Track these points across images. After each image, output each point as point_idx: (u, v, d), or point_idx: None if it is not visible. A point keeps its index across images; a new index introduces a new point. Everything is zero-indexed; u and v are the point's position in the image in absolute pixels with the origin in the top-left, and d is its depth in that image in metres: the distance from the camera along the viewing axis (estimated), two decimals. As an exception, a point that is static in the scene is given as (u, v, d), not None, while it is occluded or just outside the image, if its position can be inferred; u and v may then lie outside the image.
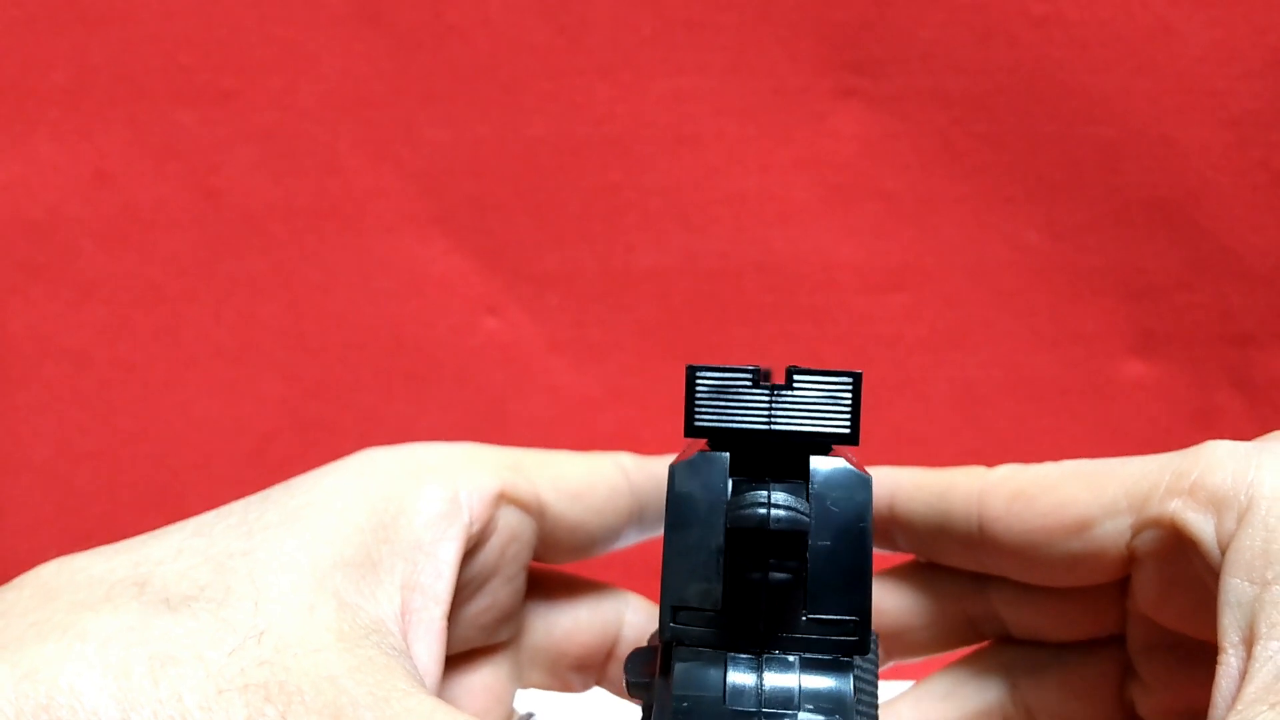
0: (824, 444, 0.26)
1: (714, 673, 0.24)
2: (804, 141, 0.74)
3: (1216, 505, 0.29)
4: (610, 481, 0.36)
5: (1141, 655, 0.36)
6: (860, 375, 0.26)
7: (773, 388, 0.26)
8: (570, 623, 0.38)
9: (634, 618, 0.39)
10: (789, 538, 0.24)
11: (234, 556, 0.28)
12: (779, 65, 0.74)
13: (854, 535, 0.25)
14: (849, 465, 0.26)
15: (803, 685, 0.24)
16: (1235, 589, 0.27)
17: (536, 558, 0.37)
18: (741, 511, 0.24)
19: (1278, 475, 0.28)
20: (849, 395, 0.26)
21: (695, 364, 0.26)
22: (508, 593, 0.36)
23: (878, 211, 0.74)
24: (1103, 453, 0.37)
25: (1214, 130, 0.72)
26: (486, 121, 0.75)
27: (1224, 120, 0.72)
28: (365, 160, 0.75)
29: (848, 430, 0.26)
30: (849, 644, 0.25)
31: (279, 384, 0.77)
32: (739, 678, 0.24)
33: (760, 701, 0.24)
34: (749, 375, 0.26)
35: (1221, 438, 0.32)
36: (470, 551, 0.32)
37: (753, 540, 0.25)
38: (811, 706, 0.24)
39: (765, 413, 0.26)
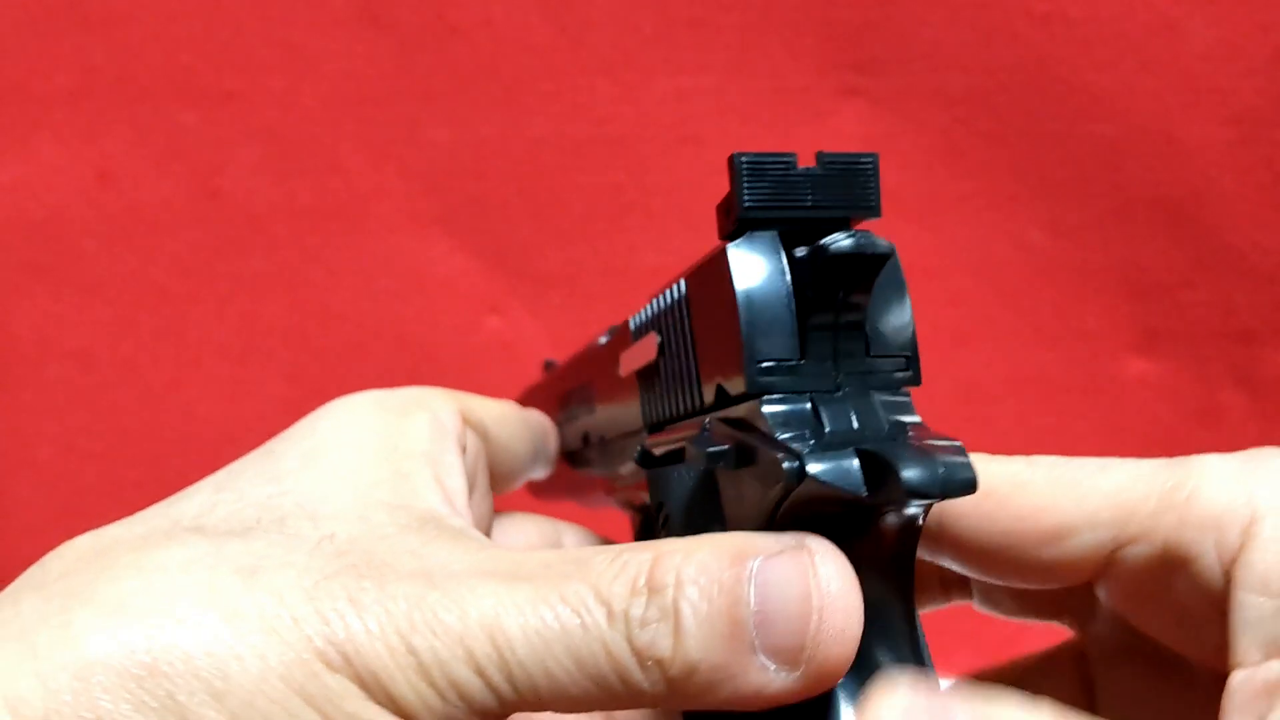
0: (850, 219, 0.29)
1: (807, 411, 0.27)
2: (806, 140, 0.74)
3: (1216, 522, 0.28)
4: (517, 413, 0.41)
5: (1103, 665, 0.35)
6: (877, 156, 0.29)
7: (807, 171, 0.29)
8: (523, 541, 0.41)
9: (571, 539, 0.42)
10: (877, 260, 0.27)
11: (272, 497, 0.30)
12: (781, 64, 0.74)
13: (894, 286, 0.29)
14: (873, 235, 0.28)
15: (881, 413, 0.28)
16: (1252, 605, 0.27)
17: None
18: (841, 243, 0.27)
19: (1277, 489, 0.28)
20: (873, 173, 0.29)
21: (740, 151, 0.29)
22: (484, 508, 0.38)
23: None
24: (1106, 450, 0.37)
25: (1217, 128, 0.72)
26: (488, 122, 0.75)
27: (1227, 118, 0.72)
28: (367, 160, 0.75)
29: (873, 204, 0.29)
30: (908, 378, 0.29)
31: (281, 384, 0.77)
32: (830, 414, 0.27)
33: (854, 431, 0.27)
34: (788, 160, 0.29)
35: (1225, 434, 0.32)
36: None
37: (843, 269, 0.27)
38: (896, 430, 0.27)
39: (807, 194, 0.29)
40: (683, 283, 0.32)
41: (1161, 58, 0.72)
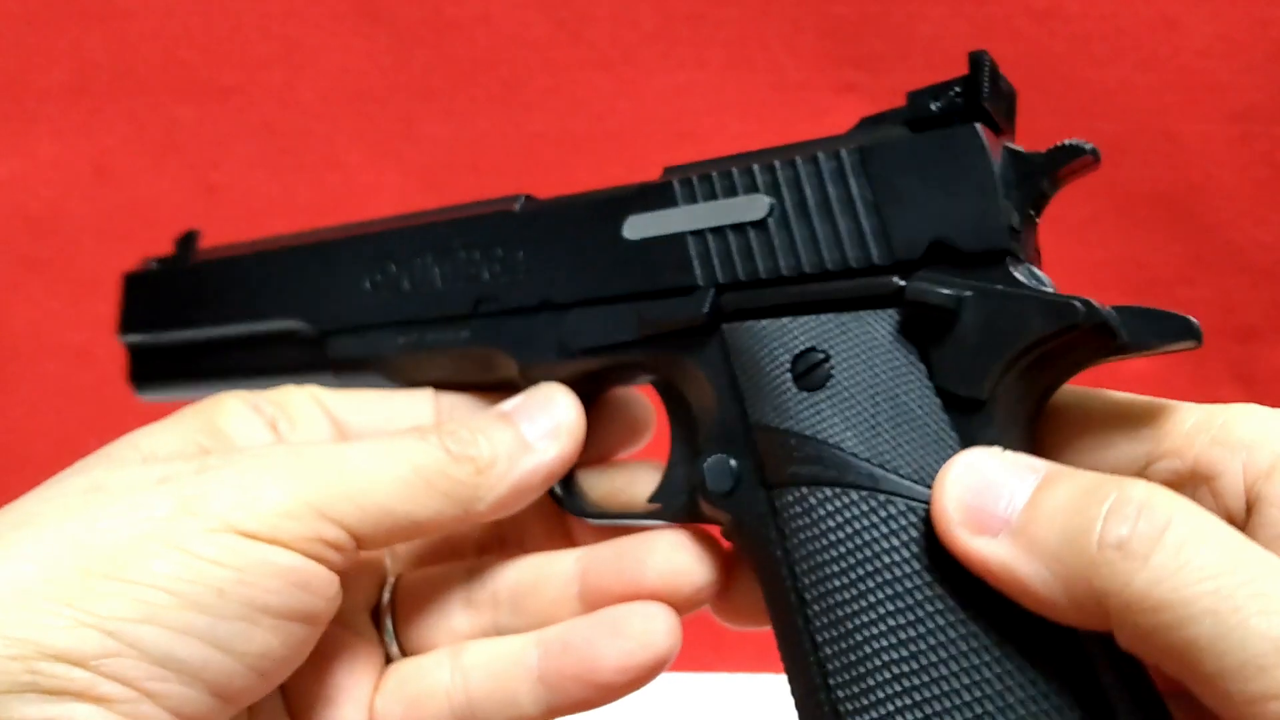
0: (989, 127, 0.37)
1: (1032, 271, 0.36)
2: (805, 136, 0.74)
3: (1247, 446, 0.32)
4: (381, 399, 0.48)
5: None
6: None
7: (1003, 82, 0.37)
8: None
9: None
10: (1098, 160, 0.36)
11: (104, 448, 0.40)
12: (780, 60, 0.74)
13: None
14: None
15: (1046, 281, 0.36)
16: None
17: None
18: (1082, 144, 0.35)
19: None
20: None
21: (979, 50, 0.36)
22: None
23: (879, 206, 0.74)
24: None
25: (1216, 124, 0.72)
26: (486, 117, 0.75)
27: (1226, 114, 0.72)
28: (365, 156, 0.75)
29: (1005, 125, 0.38)
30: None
31: (280, 380, 0.77)
32: (1040, 276, 0.36)
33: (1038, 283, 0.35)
34: (995, 68, 0.36)
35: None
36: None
37: (1067, 163, 0.36)
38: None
39: (999, 101, 0.36)
40: (843, 152, 0.37)
41: (1160, 54, 0.72)
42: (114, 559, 0.32)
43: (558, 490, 0.42)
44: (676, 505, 0.40)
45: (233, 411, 0.42)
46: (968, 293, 0.34)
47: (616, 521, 0.42)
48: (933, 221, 0.35)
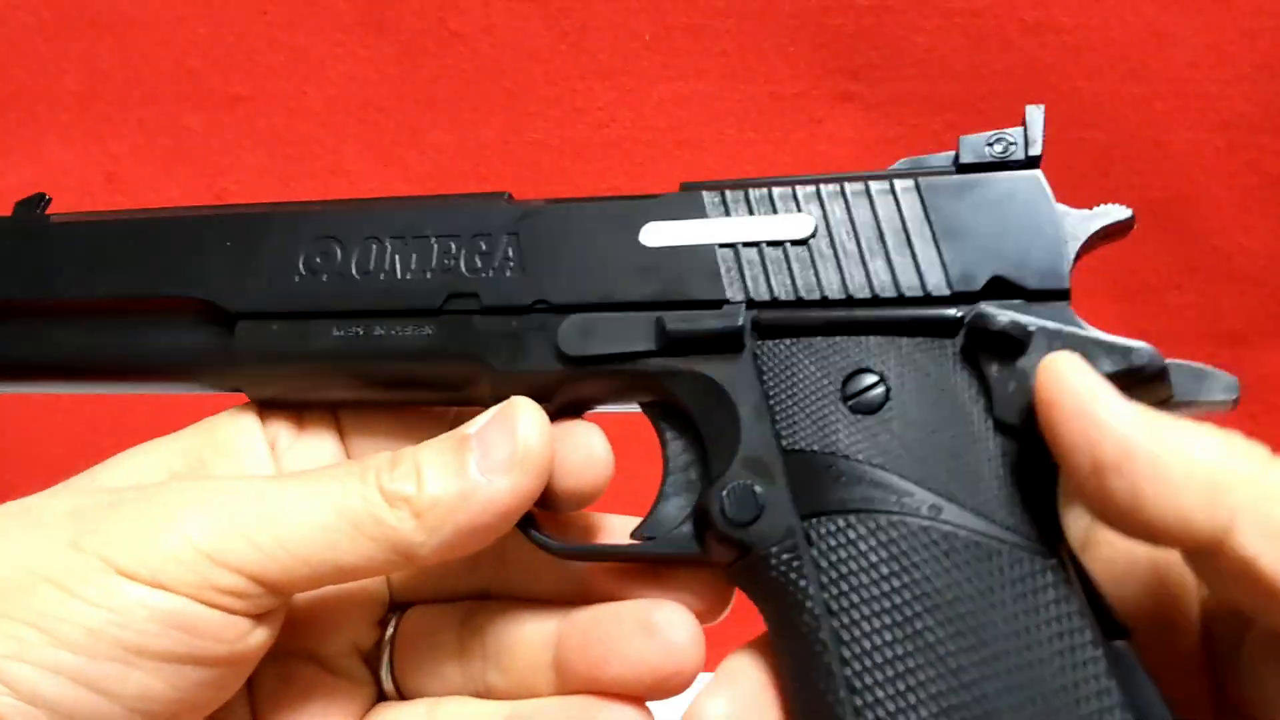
0: None
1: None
2: (801, 145, 0.75)
3: None
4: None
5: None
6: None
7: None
8: None
9: None
10: None
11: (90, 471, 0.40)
12: (777, 70, 0.75)
13: None
14: None
15: None
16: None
17: None
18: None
19: None
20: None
21: (1036, 105, 0.38)
22: None
23: (874, 213, 0.75)
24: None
25: (1205, 133, 0.73)
26: (489, 125, 0.76)
27: (1215, 124, 0.73)
28: (371, 164, 0.76)
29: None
30: None
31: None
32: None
33: None
34: None
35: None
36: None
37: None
38: None
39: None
40: (912, 182, 0.37)
41: (1150, 65, 0.73)
42: (11, 597, 0.32)
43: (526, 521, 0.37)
44: (673, 539, 0.37)
45: (240, 429, 0.40)
46: (1034, 327, 0.34)
47: (595, 558, 0.38)
48: (994, 258, 0.36)
